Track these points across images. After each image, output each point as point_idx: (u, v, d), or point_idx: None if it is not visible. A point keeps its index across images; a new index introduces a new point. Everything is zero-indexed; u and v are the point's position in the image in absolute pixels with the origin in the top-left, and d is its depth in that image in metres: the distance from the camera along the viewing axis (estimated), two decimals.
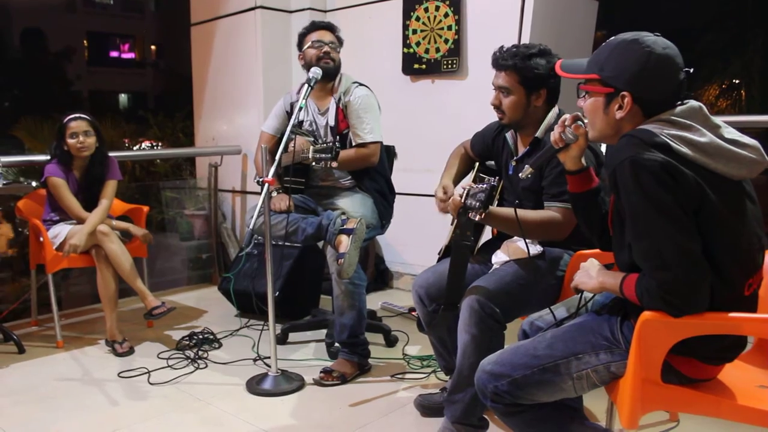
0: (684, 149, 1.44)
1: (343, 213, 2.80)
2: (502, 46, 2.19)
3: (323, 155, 2.65)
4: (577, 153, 1.76)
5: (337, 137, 2.95)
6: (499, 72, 2.17)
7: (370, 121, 2.94)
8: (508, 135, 2.34)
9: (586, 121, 1.69)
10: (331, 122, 2.98)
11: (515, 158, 2.29)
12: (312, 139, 2.93)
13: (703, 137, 1.47)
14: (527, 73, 2.12)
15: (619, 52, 1.56)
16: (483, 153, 2.49)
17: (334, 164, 2.68)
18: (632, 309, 1.57)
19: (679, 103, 1.53)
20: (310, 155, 2.68)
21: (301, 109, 2.69)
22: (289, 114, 3.02)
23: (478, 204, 1.87)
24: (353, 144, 2.96)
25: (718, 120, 1.53)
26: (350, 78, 3.03)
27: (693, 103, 1.53)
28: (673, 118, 1.49)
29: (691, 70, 1.55)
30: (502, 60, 2.15)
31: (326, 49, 2.91)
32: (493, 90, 2.21)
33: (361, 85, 3.01)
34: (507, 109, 2.18)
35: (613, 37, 1.60)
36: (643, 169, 1.41)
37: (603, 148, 2.15)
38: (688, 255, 1.42)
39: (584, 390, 1.67)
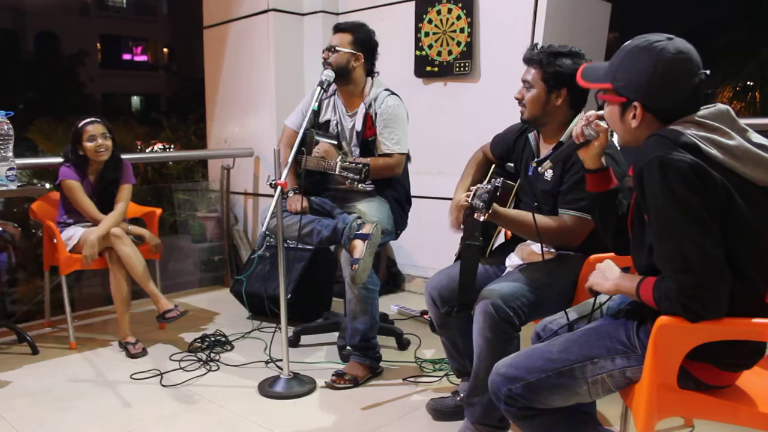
0: (713, 151, 1.42)
1: (359, 217, 2.79)
2: (536, 44, 2.24)
3: (351, 175, 2.60)
4: (597, 151, 1.76)
5: (365, 145, 2.94)
6: (527, 67, 2.21)
7: (398, 132, 2.92)
8: (531, 136, 2.33)
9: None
10: (358, 127, 2.96)
11: (536, 160, 2.27)
12: (335, 142, 2.92)
13: (731, 140, 1.44)
14: (549, 68, 2.14)
15: (629, 59, 1.55)
16: (503, 155, 2.47)
17: (360, 186, 2.66)
18: (649, 313, 1.55)
19: (707, 105, 1.50)
20: (337, 171, 2.66)
21: (315, 111, 2.67)
22: (315, 112, 2.98)
23: (482, 204, 1.87)
24: (378, 152, 2.94)
25: (745, 124, 1.50)
26: (382, 84, 3.01)
27: (720, 105, 1.50)
28: (700, 119, 1.47)
29: (709, 72, 1.51)
30: (531, 55, 2.19)
31: (324, 55, 2.91)
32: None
33: (392, 93, 2.99)
34: (527, 102, 2.20)
35: (629, 41, 1.57)
36: (672, 169, 1.39)
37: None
38: (711, 260, 1.39)
39: (599, 395, 1.65)
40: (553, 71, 2.14)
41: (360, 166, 2.61)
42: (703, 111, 1.49)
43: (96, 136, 3.25)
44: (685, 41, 1.52)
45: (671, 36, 1.52)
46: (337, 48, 2.90)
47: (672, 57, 1.48)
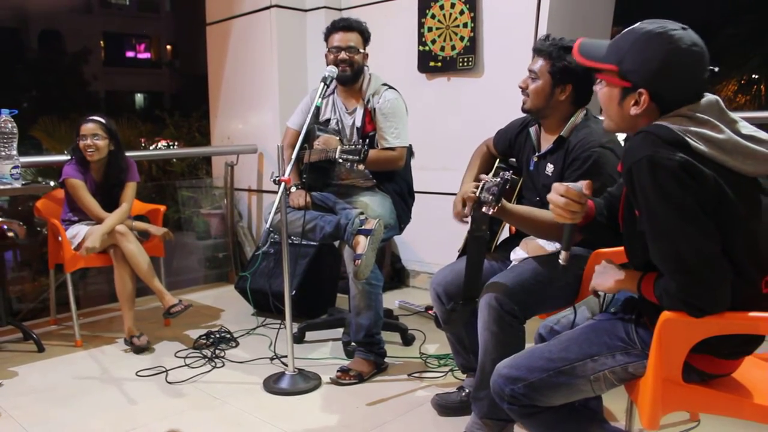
0: (702, 147, 1.39)
1: (362, 213, 2.79)
2: (548, 35, 2.21)
3: (350, 156, 2.64)
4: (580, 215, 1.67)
5: (366, 140, 2.93)
6: (535, 57, 2.19)
7: (398, 125, 2.92)
8: (532, 130, 2.32)
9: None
10: (358, 123, 2.97)
11: (537, 154, 2.27)
12: (337, 138, 2.93)
13: (720, 134, 1.41)
14: (558, 62, 2.12)
15: (641, 44, 1.47)
16: (505, 150, 2.47)
17: (361, 166, 2.67)
18: (646, 309, 1.54)
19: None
20: (337, 155, 2.67)
21: (318, 108, 2.68)
22: (318, 108, 2.96)
23: (491, 198, 1.86)
24: (380, 147, 2.94)
25: (734, 115, 1.48)
26: (379, 79, 3.01)
27: (710, 96, 1.47)
28: (690, 112, 1.44)
29: (716, 69, 1.48)
30: (541, 45, 2.16)
31: (342, 56, 2.89)
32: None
33: (390, 88, 3.00)
34: (531, 93, 2.19)
35: (638, 24, 1.50)
36: (662, 168, 1.36)
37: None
38: (708, 257, 1.38)
39: (603, 390, 1.65)
40: (562, 66, 2.11)
41: (359, 147, 2.64)
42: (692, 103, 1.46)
43: (87, 135, 3.25)
44: (696, 35, 1.46)
45: (685, 26, 1.46)
46: (360, 49, 2.91)
47: (687, 48, 1.43)
